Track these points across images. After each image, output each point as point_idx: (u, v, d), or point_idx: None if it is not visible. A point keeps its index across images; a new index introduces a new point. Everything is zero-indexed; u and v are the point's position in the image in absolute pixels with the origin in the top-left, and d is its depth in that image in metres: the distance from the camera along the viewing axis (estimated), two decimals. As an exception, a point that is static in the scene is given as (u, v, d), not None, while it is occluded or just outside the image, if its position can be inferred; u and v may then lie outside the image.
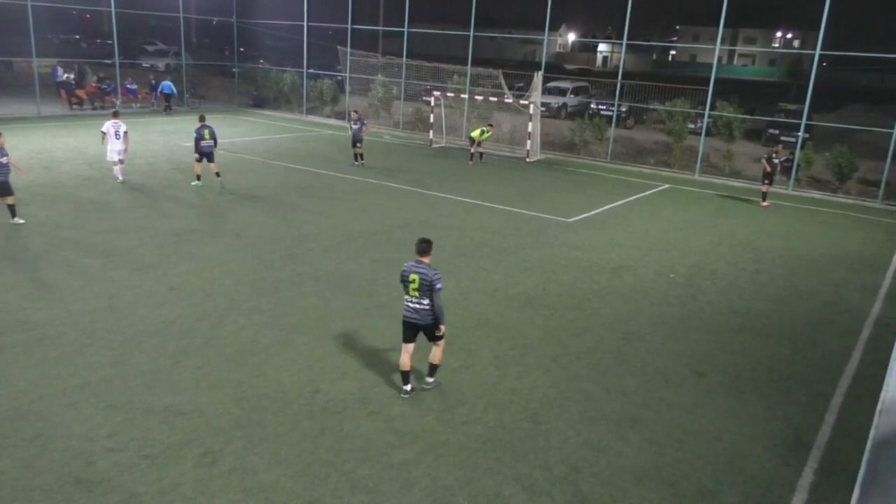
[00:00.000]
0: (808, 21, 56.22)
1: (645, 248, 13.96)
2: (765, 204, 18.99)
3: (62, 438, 6.36)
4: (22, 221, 12.80)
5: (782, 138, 27.80)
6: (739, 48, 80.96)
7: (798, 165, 22.03)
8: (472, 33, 27.39)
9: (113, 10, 29.11)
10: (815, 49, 21.57)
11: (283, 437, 6.59)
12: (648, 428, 7.21)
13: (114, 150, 16.16)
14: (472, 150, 22.94)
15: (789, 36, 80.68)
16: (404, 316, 7.44)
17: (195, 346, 8.38)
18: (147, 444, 6.35)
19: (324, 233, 13.60)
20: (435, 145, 26.35)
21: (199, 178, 16.73)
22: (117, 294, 9.82)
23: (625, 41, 25.62)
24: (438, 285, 7.18)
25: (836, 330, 10.42)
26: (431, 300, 7.22)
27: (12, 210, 12.75)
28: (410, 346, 7.49)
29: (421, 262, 7.33)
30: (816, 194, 21.52)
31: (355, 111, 21.66)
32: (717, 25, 23.02)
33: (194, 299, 9.84)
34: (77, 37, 53.05)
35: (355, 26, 31.44)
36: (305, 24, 32.07)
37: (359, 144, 20.67)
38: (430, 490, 5.97)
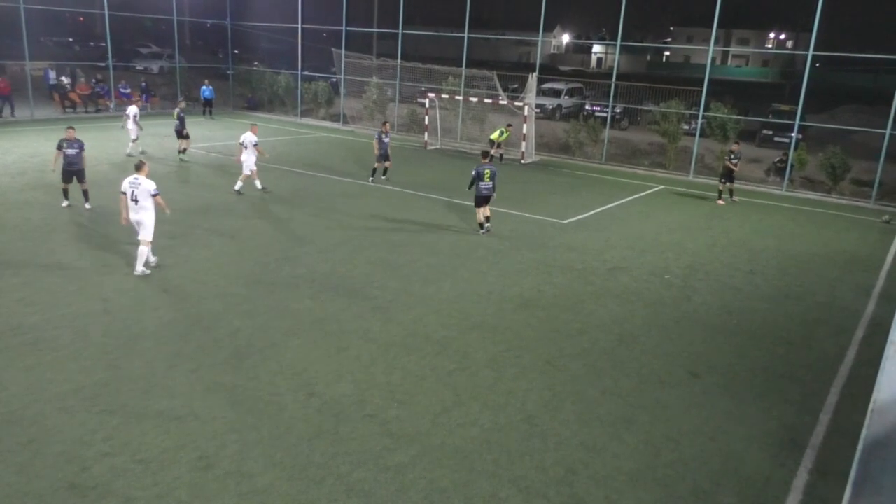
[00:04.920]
0: (801, 22, 56.49)
1: (640, 250, 13.99)
2: (720, 202, 19.28)
3: (56, 443, 6.34)
4: (89, 206, 14.31)
5: (776, 139, 27.91)
6: (733, 49, 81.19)
7: (792, 166, 22.12)
8: (466, 35, 27.42)
9: (106, 12, 29.06)
10: (808, 50, 21.67)
11: (278, 441, 6.58)
12: (644, 429, 7.23)
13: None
14: (493, 152, 23.08)
15: (782, 37, 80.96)
16: (481, 192, 13.90)
17: (190, 349, 8.37)
18: (142, 448, 6.34)
19: (319, 235, 13.59)
20: (430, 147, 26.36)
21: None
22: (111, 298, 9.79)
23: (619, 42, 25.71)
24: (497, 173, 14.07)
25: (830, 330, 10.46)
26: (494, 182, 13.91)
27: (85, 195, 14.32)
28: (482, 209, 14.12)
29: (486, 163, 13.97)
30: (810, 195, 21.60)
31: (386, 122, 20.15)
32: (711, 27, 23.12)
33: (189, 302, 9.82)
34: (70, 39, 52.86)
35: (349, 28, 31.44)
36: (300, 26, 32.06)
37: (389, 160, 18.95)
38: (426, 493, 5.97)
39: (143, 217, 10.55)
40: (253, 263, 11.67)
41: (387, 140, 18.74)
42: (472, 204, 14.52)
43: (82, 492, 5.72)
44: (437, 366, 8.34)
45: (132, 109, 20.61)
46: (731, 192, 19.46)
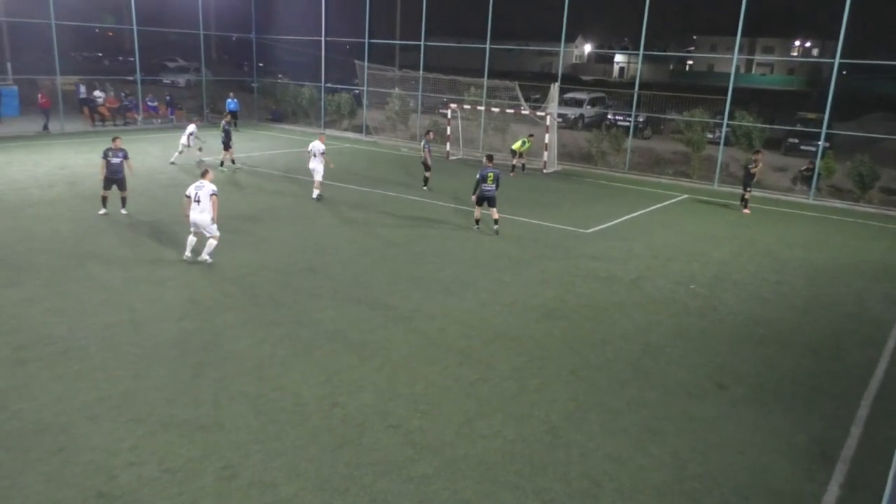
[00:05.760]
0: (826, 29, 55.78)
1: (664, 259, 13.85)
2: (746, 211, 19.09)
3: (84, 452, 6.42)
4: (125, 212, 15.01)
5: (802, 147, 27.51)
6: (757, 57, 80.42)
7: (819, 175, 21.79)
8: (488, 46, 27.50)
9: (134, 27, 29.63)
10: (834, 57, 21.38)
11: (301, 451, 6.60)
12: (670, 441, 7.13)
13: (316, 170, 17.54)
14: (514, 162, 23.30)
15: (808, 44, 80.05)
16: (484, 193, 14.60)
17: (214, 359, 8.44)
18: (168, 457, 6.39)
19: (342, 244, 13.66)
20: (452, 157, 26.41)
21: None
22: (138, 308, 9.92)
23: (641, 51, 25.59)
24: (500, 176, 14.94)
25: (860, 340, 10.24)
26: (497, 184, 14.59)
27: (123, 201, 15.06)
28: (480, 208, 14.95)
29: (490, 166, 14.69)
30: (838, 204, 21.24)
31: (429, 131, 21.02)
32: (735, 35, 22.91)
33: (214, 312, 9.92)
34: (100, 54, 54.03)
35: (372, 40, 31.70)
36: (323, 39, 32.41)
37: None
38: (449, 504, 5.94)
39: (204, 218, 11.77)
40: (277, 272, 11.77)
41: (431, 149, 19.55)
42: (492, 215, 14.77)
43: (110, 500, 5.78)
44: (459, 376, 8.32)
45: (191, 127, 21.70)
46: (744, 200, 19.27)
